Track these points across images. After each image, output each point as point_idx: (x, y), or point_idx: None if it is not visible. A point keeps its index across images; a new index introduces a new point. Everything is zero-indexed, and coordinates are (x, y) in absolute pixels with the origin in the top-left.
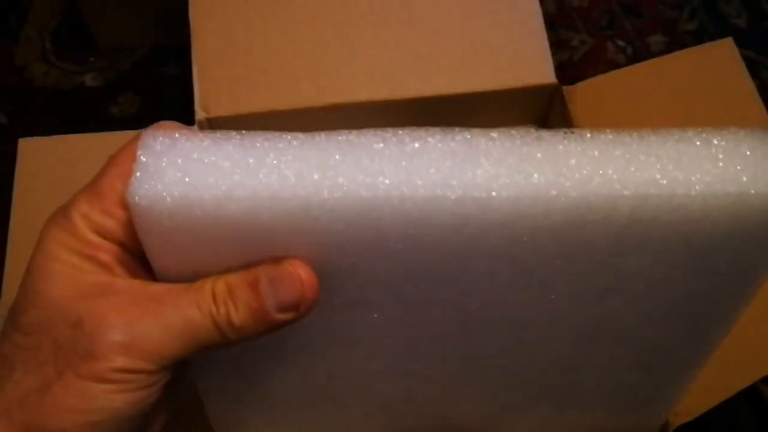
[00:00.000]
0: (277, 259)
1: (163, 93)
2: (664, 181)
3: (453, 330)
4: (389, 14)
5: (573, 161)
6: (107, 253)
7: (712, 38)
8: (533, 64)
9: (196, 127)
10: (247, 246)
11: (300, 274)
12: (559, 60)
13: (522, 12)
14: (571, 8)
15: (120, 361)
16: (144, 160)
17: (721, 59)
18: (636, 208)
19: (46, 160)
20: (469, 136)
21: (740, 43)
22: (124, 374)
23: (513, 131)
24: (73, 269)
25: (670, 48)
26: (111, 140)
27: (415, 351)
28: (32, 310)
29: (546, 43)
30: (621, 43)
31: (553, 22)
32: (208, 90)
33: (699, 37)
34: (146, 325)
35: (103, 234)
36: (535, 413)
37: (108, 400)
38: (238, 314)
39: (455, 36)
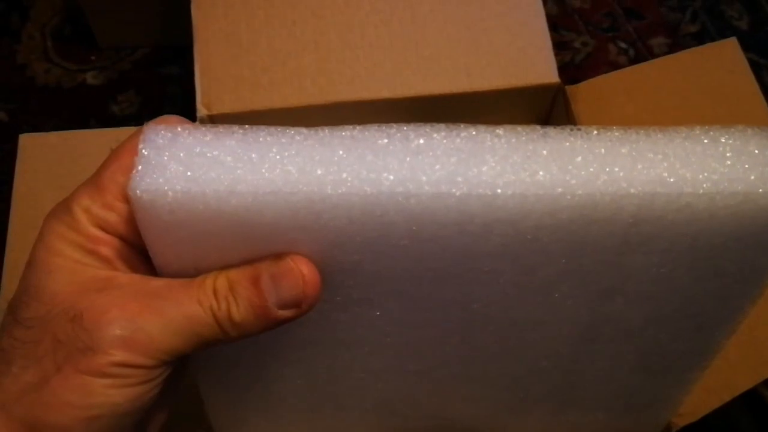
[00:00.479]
0: (279, 255)
1: (164, 92)
2: (672, 180)
3: (455, 329)
4: (392, 13)
5: (579, 158)
6: (108, 247)
7: (713, 41)
8: (536, 64)
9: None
10: (249, 241)
11: (302, 270)
12: (561, 61)
13: (525, 11)
14: (573, 10)
15: (119, 356)
16: (146, 153)
17: (724, 59)
18: (642, 207)
19: (47, 155)
20: (474, 133)
21: (742, 46)
22: (123, 369)
23: (519, 128)
24: (74, 264)
25: (672, 50)
26: (111, 136)
27: (416, 350)
28: (33, 304)
29: (549, 43)
30: (623, 44)
31: (555, 24)
32: (209, 87)
33: (701, 40)
34: (146, 320)
35: (104, 228)
36: (536, 414)
37: (107, 395)
38: (239, 310)
39: (458, 35)
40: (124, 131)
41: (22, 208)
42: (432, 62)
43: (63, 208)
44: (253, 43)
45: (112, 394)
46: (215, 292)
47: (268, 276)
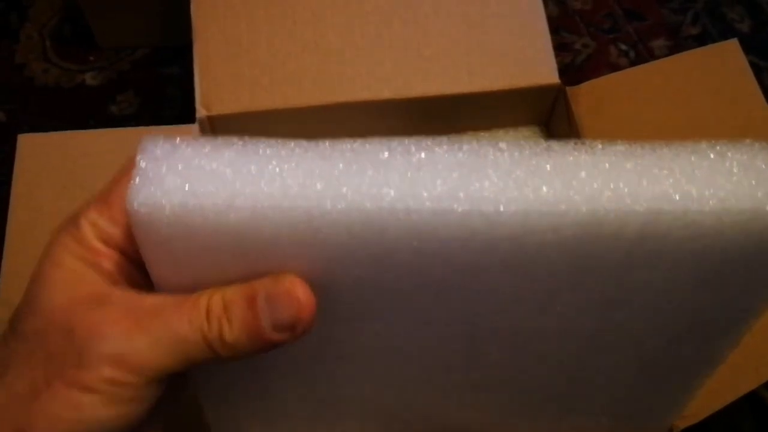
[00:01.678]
0: (276, 276)
1: (163, 93)
2: (677, 197)
3: (457, 340)
4: (393, 13)
5: (583, 174)
6: (110, 261)
7: (715, 43)
8: (537, 65)
9: (196, 125)
10: (247, 257)
11: (298, 293)
12: (562, 63)
13: (526, 13)
14: (574, 11)
15: (108, 372)
16: (143, 165)
17: (725, 61)
18: (648, 224)
19: (46, 155)
20: (476, 147)
21: (743, 48)
22: (111, 386)
23: (522, 142)
24: (74, 276)
25: (673, 52)
26: (110, 136)
27: (418, 360)
28: (30, 317)
29: (549, 44)
30: (624, 46)
31: (555, 25)
32: (209, 88)
33: (702, 42)
34: (136, 338)
35: (108, 242)
36: (539, 419)
37: (95, 410)
38: (232, 331)
39: (458, 35)
40: (122, 132)
41: (21, 208)
42: (433, 63)
43: (71, 221)
44: (253, 43)
45: (100, 410)
46: (208, 312)
47: (264, 296)
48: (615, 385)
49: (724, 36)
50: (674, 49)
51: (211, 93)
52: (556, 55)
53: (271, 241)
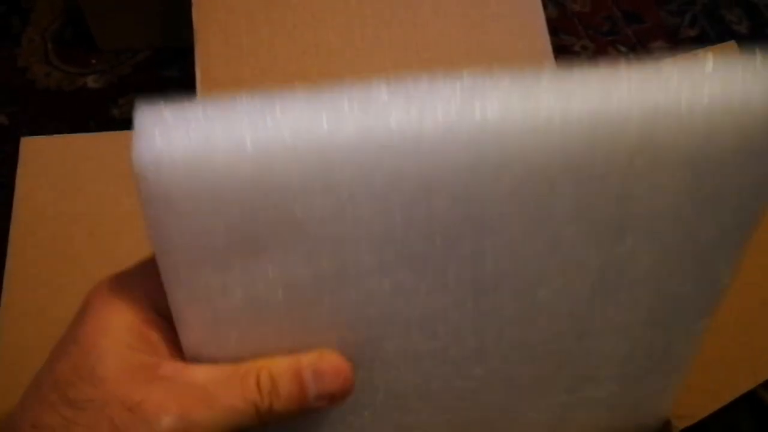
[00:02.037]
0: (320, 353)
1: (164, 95)
2: (669, 101)
3: (467, 293)
4: (393, 17)
5: (579, 90)
6: (158, 330)
7: (713, 45)
8: (536, 67)
9: None
10: (259, 213)
11: (343, 368)
12: (561, 65)
13: (525, 15)
14: (573, 14)
15: None
16: (144, 123)
17: None
18: (644, 132)
19: (49, 159)
20: (475, 76)
21: (741, 50)
22: None
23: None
24: (124, 348)
25: (671, 54)
26: (113, 140)
27: (428, 326)
28: (83, 386)
29: (549, 46)
30: (623, 48)
31: (554, 27)
32: (210, 91)
33: (701, 44)
34: (198, 414)
35: (159, 310)
36: (548, 399)
37: None
38: (281, 403)
39: (458, 38)
40: (126, 134)
41: (24, 212)
42: (432, 65)
43: (116, 282)
44: (254, 46)
45: None
46: (259, 388)
47: (311, 371)
48: (623, 340)
49: (722, 38)
50: (673, 50)
51: (211, 95)
52: (556, 57)
53: (283, 187)
